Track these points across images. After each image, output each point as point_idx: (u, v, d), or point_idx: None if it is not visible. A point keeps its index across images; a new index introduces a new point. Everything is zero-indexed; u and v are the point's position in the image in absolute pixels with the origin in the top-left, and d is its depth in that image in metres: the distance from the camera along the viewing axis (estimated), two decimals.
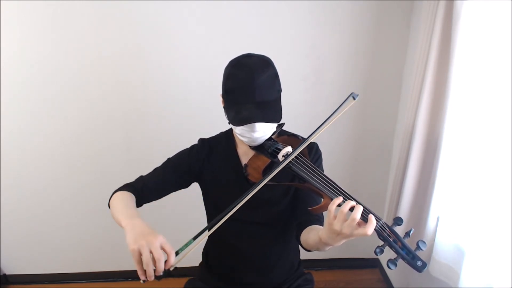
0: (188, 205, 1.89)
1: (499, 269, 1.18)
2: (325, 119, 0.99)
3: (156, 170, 1.21)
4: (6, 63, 1.77)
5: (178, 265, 2.46)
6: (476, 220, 1.29)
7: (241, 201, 0.91)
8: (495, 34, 1.18)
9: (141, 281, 0.84)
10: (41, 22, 1.70)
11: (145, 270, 0.82)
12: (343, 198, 0.86)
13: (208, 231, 0.92)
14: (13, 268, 2.27)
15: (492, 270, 1.22)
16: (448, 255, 1.42)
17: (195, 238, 0.88)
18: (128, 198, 1.09)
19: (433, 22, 1.35)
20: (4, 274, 2.28)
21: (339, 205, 0.83)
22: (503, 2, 1.12)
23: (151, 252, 0.82)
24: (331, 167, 1.77)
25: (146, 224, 0.92)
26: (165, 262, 0.84)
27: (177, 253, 0.86)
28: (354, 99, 0.98)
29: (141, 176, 1.19)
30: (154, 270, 0.83)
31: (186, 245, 0.87)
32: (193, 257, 1.57)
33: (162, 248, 0.84)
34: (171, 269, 0.84)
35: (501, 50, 1.16)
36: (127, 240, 0.86)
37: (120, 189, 1.14)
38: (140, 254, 0.82)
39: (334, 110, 0.98)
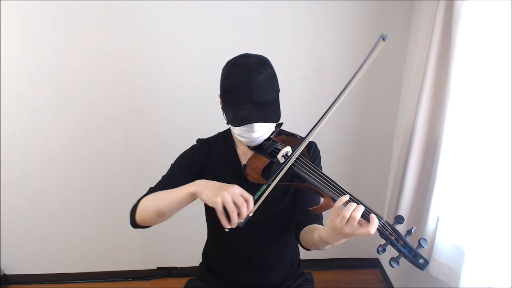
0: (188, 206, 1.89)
1: (499, 269, 1.18)
2: (360, 65, 0.99)
3: (164, 177, 1.18)
4: (6, 63, 1.77)
5: (179, 265, 2.47)
6: (476, 220, 1.29)
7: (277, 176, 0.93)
8: (495, 34, 1.18)
9: (226, 229, 0.89)
10: (41, 22, 1.70)
11: (228, 219, 0.87)
12: (341, 195, 0.86)
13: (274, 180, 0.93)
14: (13, 268, 2.27)
15: (492, 270, 1.22)
16: (448, 255, 1.43)
17: (267, 184, 0.92)
18: (160, 191, 1.06)
19: (433, 22, 1.35)
20: (4, 274, 2.28)
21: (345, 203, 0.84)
22: (503, 2, 1.12)
23: (233, 201, 0.87)
24: (331, 167, 1.77)
25: (212, 181, 0.95)
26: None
27: (254, 199, 0.90)
28: (383, 40, 0.98)
29: (151, 188, 1.16)
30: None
31: (260, 191, 0.91)
32: (193, 257, 1.58)
33: (241, 195, 0.88)
34: (250, 214, 0.89)
35: (501, 50, 1.16)
36: (204, 197, 0.90)
37: (139, 200, 1.09)
38: (223, 205, 0.86)
39: (367, 56, 0.98)
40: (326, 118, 0.97)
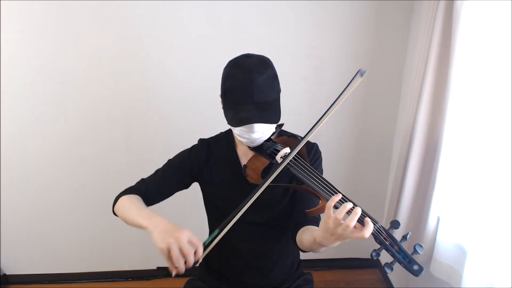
0: (188, 206, 1.89)
1: (501, 268, 1.18)
2: (334, 99, 0.96)
3: (157, 172, 1.21)
4: (6, 63, 1.77)
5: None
6: (477, 219, 1.29)
7: (256, 193, 0.92)
8: (495, 34, 1.18)
9: (172, 275, 0.87)
10: (41, 22, 1.70)
11: (173, 265, 0.86)
12: (341, 200, 0.85)
13: (226, 226, 0.92)
14: (13, 268, 2.27)
15: (494, 269, 1.22)
16: (449, 255, 1.42)
17: (220, 229, 0.90)
18: (137, 199, 1.10)
19: (433, 22, 1.35)
20: (4, 274, 2.28)
21: (335, 207, 0.82)
22: (503, 2, 1.12)
23: (180, 248, 0.84)
24: (331, 167, 1.78)
25: (167, 221, 0.93)
26: (194, 254, 0.86)
27: (204, 245, 0.89)
28: (361, 76, 0.95)
29: (143, 179, 1.20)
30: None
31: (212, 236, 0.90)
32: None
33: (189, 242, 0.86)
34: (200, 260, 0.87)
35: (501, 50, 1.16)
36: (153, 240, 0.89)
37: (124, 193, 1.14)
38: (169, 251, 0.85)
39: (343, 90, 0.95)
40: (319, 126, 0.96)
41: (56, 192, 2.06)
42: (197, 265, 0.87)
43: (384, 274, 2.27)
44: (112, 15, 1.71)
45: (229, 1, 1.70)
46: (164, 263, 2.46)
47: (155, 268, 2.31)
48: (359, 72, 0.95)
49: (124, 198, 1.11)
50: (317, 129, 0.96)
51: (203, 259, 1.38)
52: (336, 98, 0.95)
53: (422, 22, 1.44)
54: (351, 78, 0.95)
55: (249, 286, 1.28)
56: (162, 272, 2.32)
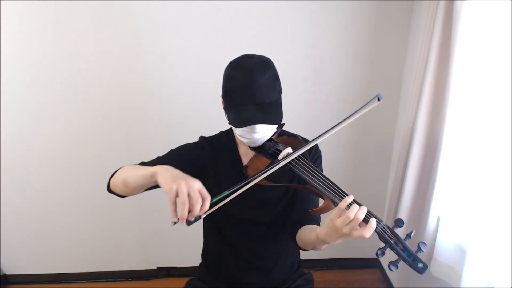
0: None
1: (501, 268, 1.18)
2: (346, 117, 0.96)
3: (159, 158, 1.16)
4: (6, 63, 1.77)
5: (179, 265, 2.46)
6: (477, 219, 1.29)
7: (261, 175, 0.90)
8: (495, 34, 1.18)
9: (172, 222, 0.81)
10: (41, 22, 1.70)
11: (176, 212, 0.81)
12: (343, 198, 0.86)
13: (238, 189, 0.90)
14: (13, 268, 2.27)
15: (494, 269, 1.22)
16: (449, 255, 1.42)
17: (229, 191, 0.87)
18: (140, 165, 1.05)
19: (433, 22, 1.35)
20: (4, 274, 2.28)
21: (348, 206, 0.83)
22: (503, 2, 1.12)
23: (188, 194, 0.80)
24: (331, 168, 1.78)
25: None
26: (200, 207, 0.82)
27: (211, 202, 0.85)
28: (378, 100, 0.96)
29: (143, 162, 1.14)
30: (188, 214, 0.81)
31: (221, 196, 0.86)
32: (193, 257, 1.58)
33: (199, 192, 0.82)
34: (203, 216, 0.83)
35: (501, 50, 1.16)
36: (161, 181, 0.85)
37: (122, 167, 1.09)
38: (176, 195, 0.80)
39: (356, 110, 0.95)
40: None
41: (56, 192, 2.06)
42: (199, 218, 0.82)
43: (384, 274, 2.27)
44: (112, 15, 1.71)
45: (229, 1, 1.70)
46: (164, 263, 2.47)
47: (155, 268, 2.31)
48: (377, 97, 0.95)
49: (125, 166, 1.07)
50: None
51: (203, 259, 1.39)
52: (346, 117, 0.95)
53: (422, 22, 1.44)
54: (368, 101, 0.96)
55: (249, 286, 1.29)
56: (162, 272, 2.32)
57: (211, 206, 0.84)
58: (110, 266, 2.29)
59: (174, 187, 0.80)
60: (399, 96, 1.94)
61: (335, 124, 0.95)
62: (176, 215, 0.81)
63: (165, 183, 0.83)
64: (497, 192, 1.20)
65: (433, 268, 1.49)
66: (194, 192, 0.81)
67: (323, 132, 0.95)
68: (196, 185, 0.82)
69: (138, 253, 2.25)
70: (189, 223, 0.82)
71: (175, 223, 0.81)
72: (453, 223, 1.41)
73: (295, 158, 0.99)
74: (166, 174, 0.86)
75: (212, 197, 0.85)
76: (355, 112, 0.95)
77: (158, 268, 2.31)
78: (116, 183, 1.05)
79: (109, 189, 1.10)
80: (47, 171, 2.01)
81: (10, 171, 2.00)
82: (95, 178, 2.04)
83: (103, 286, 2.28)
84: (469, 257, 1.29)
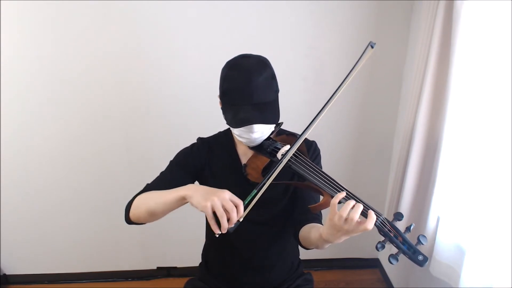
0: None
1: (500, 268, 1.18)
2: (348, 73, 0.99)
3: (163, 174, 1.19)
4: (6, 63, 1.77)
5: (179, 265, 2.46)
6: (477, 219, 1.29)
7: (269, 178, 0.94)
8: (495, 34, 1.18)
9: (216, 235, 0.88)
10: (41, 22, 1.70)
11: (218, 224, 0.87)
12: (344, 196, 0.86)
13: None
14: (13, 268, 2.27)
15: (493, 269, 1.22)
16: (448, 254, 1.42)
17: (257, 189, 0.92)
18: (154, 191, 1.08)
19: (433, 22, 1.35)
20: (4, 274, 2.28)
21: (339, 202, 0.84)
22: (503, 2, 1.12)
23: (222, 206, 0.86)
24: (331, 168, 1.77)
25: (203, 186, 0.95)
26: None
27: (243, 204, 0.90)
28: (372, 47, 0.99)
29: (148, 184, 1.17)
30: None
31: (250, 196, 0.91)
32: (193, 257, 1.58)
33: (231, 200, 0.88)
34: (241, 219, 0.89)
35: (501, 50, 1.16)
36: (194, 202, 0.90)
37: (134, 197, 1.11)
38: (213, 210, 0.86)
39: (355, 63, 0.99)
40: (320, 117, 0.98)
41: (56, 192, 2.06)
42: (239, 222, 0.88)
43: (384, 274, 2.27)
44: (112, 15, 1.71)
45: (229, 1, 1.70)
46: (164, 263, 2.47)
47: (155, 268, 2.31)
48: (370, 44, 0.98)
49: (140, 196, 1.08)
50: (322, 115, 0.98)
51: (203, 259, 1.39)
52: (347, 74, 0.99)
53: (422, 22, 1.44)
54: (363, 51, 0.99)
55: (249, 286, 1.29)
56: (162, 272, 2.32)
57: (245, 208, 0.90)
58: (110, 266, 2.29)
59: (209, 205, 0.86)
60: (399, 96, 1.94)
61: (338, 85, 0.99)
62: (218, 227, 0.88)
63: (199, 203, 0.89)
64: (497, 192, 1.20)
65: (432, 268, 1.49)
66: (227, 203, 0.87)
67: (328, 99, 0.99)
68: (227, 195, 0.88)
69: (138, 253, 2.25)
70: (231, 229, 0.88)
71: (219, 234, 0.88)
72: (452, 223, 1.41)
73: (294, 155, 0.99)
74: (196, 194, 0.91)
75: (244, 199, 0.91)
76: (354, 66, 0.99)
77: (158, 268, 2.31)
78: (139, 215, 1.06)
79: (129, 221, 1.11)
80: (47, 171, 2.01)
81: (10, 171, 2.00)
82: (95, 178, 2.04)
83: (103, 286, 2.28)
84: (468, 258, 1.29)
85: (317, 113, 0.98)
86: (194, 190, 0.92)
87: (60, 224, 2.15)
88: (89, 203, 2.10)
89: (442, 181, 1.40)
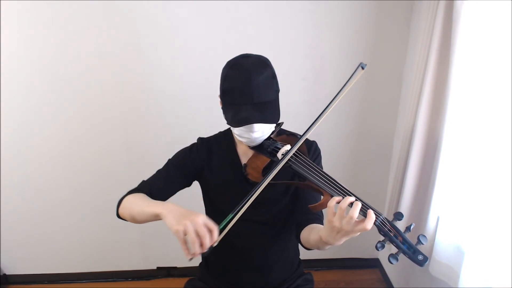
0: (188, 205, 1.90)
1: (499, 269, 1.18)
2: (336, 93, 0.98)
3: (159, 172, 1.20)
4: (6, 63, 1.77)
5: (179, 265, 2.46)
6: (476, 220, 1.29)
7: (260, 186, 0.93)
8: (495, 34, 1.18)
9: (188, 259, 0.87)
10: (41, 22, 1.70)
11: (188, 250, 0.86)
12: (343, 194, 0.86)
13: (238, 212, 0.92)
14: (13, 268, 2.27)
15: (492, 270, 1.22)
16: (448, 255, 1.43)
17: (233, 213, 0.90)
18: (143, 195, 1.10)
19: (433, 22, 1.35)
20: (4, 274, 2.28)
21: (338, 202, 0.84)
22: (503, 2, 1.12)
23: (195, 231, 0.84)
24: (331, 167, 1.77)
25: (181, 206, 0.93)
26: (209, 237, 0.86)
27: (218, 229, 0.88)
28: (362, 68, 0.97)
29: (144, 181, 1.18)
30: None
31: (226, 220, 0.90)
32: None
33: (205, 225, 0.86)
34: (214, 245, 0.87)
35: (501, 50, 1.16)
36: (168, 223, 0.89)
37: (127, 194, 1.13)
38: (185, 234, 0.85)
39: (345, 83, 0.97)
40: (321, 120, 0.97)
41: (56, 192, 2.06)
42: (212, 247, 0.86)
43: (384, 274, 2.27)
44: (112, 15, 1.71)
45: (229, 1, 1.70)
46: (164, 263, 2.47)
47: (155, 268, 2.31)
48: (360, 65, 0.97)
49: (128, 197, 1.10)
50: (318, 123, 0.97)
51: (203, 259, 1.39)
52: (337, 92, 0.97)
53: (422, 22, 1.44)
54: (353, 72, 0.97)
55: (249, 286, 1.29)
56: (162, 272, 2.32)
57: (220, 232, 0.88)
58: (110, 266, 2.29)
59: (181, 229, 0.85)
60: (399, 96, 1.94)
61: (327, 104, 0.98)
62: (189, 252, 0.86)
63: (171, 226, 0.87)
64: (497, 193, 1.20)
65: (432, 268, 1.49)
66: (200, 228, 0.85)
67: (315, 119, 0.98)
68: (200, 220, 0.86)
69: (138, 253, 2.25)
70: (203, 254, 0.86)
71: (190, 259, 0.86)
72: (452, 224, 1.41)
73: (294, 155, 0.99)
74: (170, 216, 0.89)
75: (219, 224, 0.89)
76: (343, 86, 0.98)
77: (158, 268, 2.31)
78: (124, 215, 1.10)
79: (119, 217, 1.14)
80: (47, 171, 2.01)
81: (10, 171, 2.00)
82: (95, 178, 2.04)
83: (103, 286, 2.28)
84: (468, 258, 1.29)
85: (314, 120, 0.98)
86: (168, 211, 0.91)
87: (60, 224, 2.15)
88: (89, 203, 2.10)
89: (442, 181, 1.40)
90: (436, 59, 1.37)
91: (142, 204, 1.02)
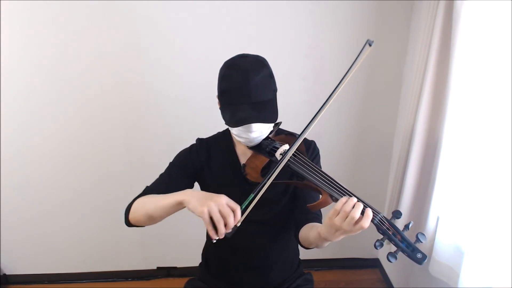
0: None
1: (499, 269, 1.18)
2: (346, 70, 0.99)
3: (162, 176, 1.19)
4: (6, 63, 1.77)
5: (179, 265, 2.46)
6: (476, 220, 1.29)
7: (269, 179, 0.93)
8: (495, 34, 1.18)
9: (213, 240, 0.87)
10: (41, 22, 1.70)
11: (215, 229, 0.86)
12: (342, 194, 0.86)
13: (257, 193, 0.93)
14: (13, 268, 2.27)
15: (492, 270, 1.22)
16: (447, 255, 1.42)
17: (254, 193, 0.91)
18: (153, 195, 1.09)
19: (433, 22, 1.35)
20: (4, 274, 2.28)
21: (336, 200, 0.85)
22: (503, 2, 1.12)
23: (219, 211, 0.86)
24: (331, 167, 1.77)
25: (200, 191, 0.94)
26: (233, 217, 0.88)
27: (241, 209, 0.90)
28: (370, 45, 0.98)
29: (147, 186, 1.17)
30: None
31: (247, 200, 0.91)
32: (193, 257, 1.58)
33: (228, 205, 0.88)
34: (238, 224, 0.88)
35: (501, 50, 1.16)
36: (191, 207, 0.90)
37: (134, 200, 1.12)
38: (210, 215, 0.86)
39: (353, 60, 0.98)
40: (319, 117, 0.97)
41: (56, 192, 2.06)
42: (236, 227, 0.88)
43: (384, 274, 2.27)
44: (112, 15, 1.71)
45: (229, 1, 1.70)
46: (164, 263, 2.47)
47: (155, 268, 2.31)
48: (368, 42, 0.97)
49: (138, 201, 1.09)
50: (318, 117, 0.97)
51: (203, 259, 1.39)
52: (346, 72, 0.99)
53: (422, 22, 1.44)
54: (361, 49, 0.98)
55: (249, 286, 1.29)
56: (162, 272, 2.32)
57: (242, 213, 0.89)
58: (110, 266, 2.29)
59: (206, 210, 0.86)
60: (399, 96, 1.94)
61: (337, 84, 0.98)
62: (215, 232, 0.87)
63: (196, 209, 0.88)
64: (497, 193, 1.20)
65: (432, 268, 1.49)
66: (224, 208, 0.87)
67: (327, 97, 0.98)
68: (224, 200, 0.88)
69: (138, 253, 2.25)
70: (229, 234, 0.88)
71: (216, 240, 0.87)
72: (452, 224, 1.41)
73: (293, 154, 0.99)
74: (193, 200, 0.90)
75: (241, 204, 0.90)
76: (352, 64, 0.98)
77: (158, 268, 2.31)
78: (138, 218, 1.07)
79: (129, 224, 1.12)
80: (47, 171, 2.01)
81: (10, 171, 2.00)
82: (95, 178, 2.04)
83: (103, 286, 2.28)
84: (467, 258, 1.29)
85: (316, 111, 0.98)
86: (191, 195, 0.92)
87: (60, 224, 2.15)
88: (89, 203, 2.10)
89: (442, 181, 1.40)
90: (436, 59, 1.37)
91: (157, 200, 1.01)
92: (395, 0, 1.74)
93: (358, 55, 0.97)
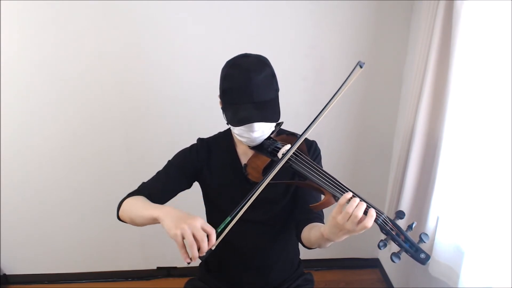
0: (186, 207, 1.90)
1: (499, 269, 1.18)
2: (335, 91, 0.98)
3: (159, 173, 1.20)
4: (6, 63, 1.77)
5: (179, 265, 2.47)
6: (476, 220, 1.29)
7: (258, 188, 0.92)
8: (495, 34, 1.18)
9: (186, 263, 0.86)
10: (41, 22, 1.70)
11: (187, 253, 0.84)
12: (345, 193, 0.86)
13: (236, 213, 0.91)
14: (13, 268, 2.27)
15: (492, 270, 1.22)
16: (447, 255, 1.43)
17: (232, 216, 0.89)
18: (143, 198, 1.10)
19: (433, 22, 1.35)
20: (4, 274, 2.28)
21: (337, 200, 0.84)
22: (503, 2, 1.12)
23: (193, 234, 0.84)
24: (331, 167, 1.77)
25: (179, 209, 0.92)
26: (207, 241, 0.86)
27: (216, 232, 0.88)
28: (361, 67, 0.97)
29: (144, 183, 1.18)
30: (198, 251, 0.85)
31: (224, 223, 0.89)
32: None
33: (203, 229, 0.86)
34: (213, 248, 0.86)
35: (501, 50, 1.16)
36: (166, 227, 0.88)
37: (127, 197, 1.13)
38: (183, 238, 0.84)
39: (343, 82, 0.97)
40: (320, 119, 0.97)
41: (56, 192, 2.06)
42: (210, 251, 0.86)
43: (384, 274, 2.27)
44: (112, 15, 1.71)
45: (229, 1, 1.70)
46: (164, 263, 2.47)
47: (155, 268, 2.31)
48: (359, 64, 0.96)
49: (128, 200, 1.10)
50: (317, 123, 0.97)
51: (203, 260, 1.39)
52: (335, 92, 0.97)
53: (422, 22, 1.44)
54: (351, 71, 0.97)
55: (249, 286, 1.29)
56: (162, 272, 2.32)
57: (218, 236, 0.88)
58: (110, 266, 2.29)
59: (179, 233, 0.84)
60: (399, 96, 1.94)
61: (325, 104, 0.98)
62: (187, 256, 0.85)
63: (169, 230, 0.86)
64: (497, 193, 1.20)
65: (431, 268, 1.49)
66: (198, 232, 0.84)
67: (314, 118, 0.98)
68: (198, 223, 0.85)
69: (138, 253, 2.25)
70: (202, 258, 0.85)
71: (189, 263, 0.85)
72: (452, 224, 1.41)
73: (294, 154, 0.99)
74: (167, 219, 0.89)
75: (217, 227, 0.88)
76: (341, 85, 0.97)
77: (158, 268, 2.31)
78: (124, 218, 1.10)
79: (119, 219, 1.14)
80: (47, 171, 2.01)
81: (10, 171, 2.00)
82: (95, 178, 2.04)
83: (103, 286, 2.28)
84: (467, 258, 1.29)
85: (313, 119, 0.98)
86: (166, 214, 0.91)
87: (60, 224, 2.15)
88: (89, 203, 2.10)
89: (442, 181, 1.40)
90: (436, 59, 1.37)
91: (140, 207, 1.02)
92: (395, 0, 1.74)
93: (348, 76, 0.96)
